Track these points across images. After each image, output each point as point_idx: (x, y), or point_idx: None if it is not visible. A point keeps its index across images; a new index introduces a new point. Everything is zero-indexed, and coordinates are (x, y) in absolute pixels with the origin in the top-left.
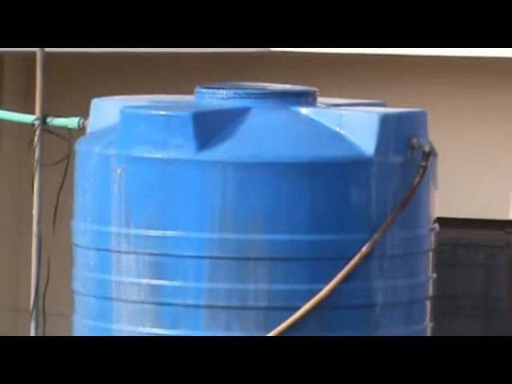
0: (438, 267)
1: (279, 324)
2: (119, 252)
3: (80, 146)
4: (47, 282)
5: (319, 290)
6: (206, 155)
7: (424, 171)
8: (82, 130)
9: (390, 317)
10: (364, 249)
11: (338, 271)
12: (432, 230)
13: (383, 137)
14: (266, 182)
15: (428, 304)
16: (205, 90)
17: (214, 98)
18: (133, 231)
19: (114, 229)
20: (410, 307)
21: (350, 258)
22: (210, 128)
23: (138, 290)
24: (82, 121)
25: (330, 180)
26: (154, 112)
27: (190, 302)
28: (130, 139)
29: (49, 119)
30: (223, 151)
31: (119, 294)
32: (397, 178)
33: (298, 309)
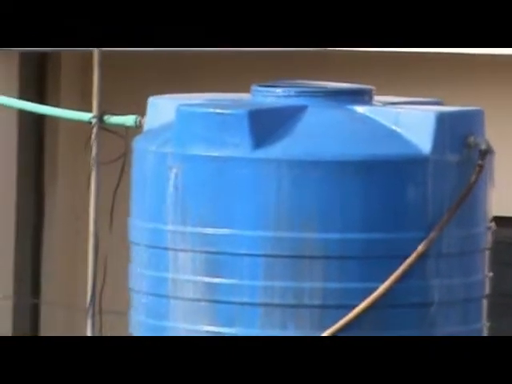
0: (494, 266)
1: (334, 322)
2: (175, 250)
3: (137, 144)
4: (104, 280)
5: (373, 289)
6: (262, 153)
7: (481, 169)
8: (138, 127)
9: (446, 315)
10: (420, 247)
11: (393, 270)
12: (488, 228)
13: (440, 135)
14: (321, 180)
15: (484, 303)
16: (261, 88)
17: (270, 96)
18: (189, 229)
19: (170, 227)
20: (466, 306)
21: (405, 257)
22: (266, 126)
23: (193, 287)
24: (138, 119)
25: (386, 178)
26: (209, 110)
27: (245, 299)
28: (185, 137)
29: (106, 117)
30: (278, 149)
31: (175, 291)
32: (453, 177)
33: (352, 307)
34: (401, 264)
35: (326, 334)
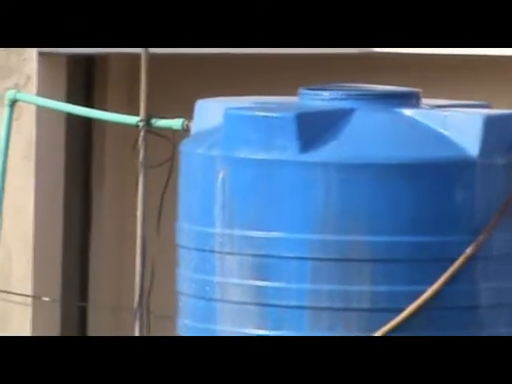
0: None
1: (382, 325)
2: (222, 253)
3: (184, 147)
4: (151, 283)
5: (421, 292)
6: (309, 156)
7: None
8: (186, 131)
9: (494, 318)
10: (468, 250)
11: (441, 273)
12: None
13: (487, 138)
14: (369, 183)
15: None
16: (308, 92)
17: (318, 100)
18: (236, 232)
19: (217, 230)
20: None
21: (453, 260)
22: (313, 129)
23: (241, 291)
24: (186, 122)
25: (433, 181)
26: (257, 113)
27: (293, 303)
28: (233, 140)
29: (153, 120)
30: (326, 152)
31: (223, 295)
32: (501, 180)
33: (400, 310)
34: (449, 267)
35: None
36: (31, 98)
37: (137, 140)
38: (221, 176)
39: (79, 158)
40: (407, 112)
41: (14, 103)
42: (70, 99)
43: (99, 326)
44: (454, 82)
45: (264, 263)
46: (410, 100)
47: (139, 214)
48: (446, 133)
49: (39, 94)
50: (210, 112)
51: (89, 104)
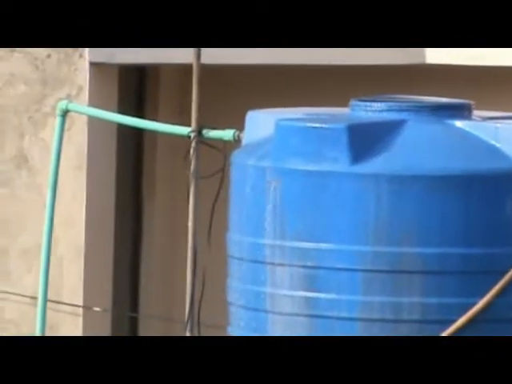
0: None
1: None
2: (273, 264)
3: (235, 158)
4: (202, 293)
5: (472, 304)
6: (360, 168)
7: None
8: (237, 142)
9: None
10: None
11: (492, 285)
12: None
13: None
14: (420, 194)
15: None
16: (360, 103)
17: (369, 111)
18: (287, 243)
19: (268, 241)
20: None
21: (504, 272)
22: (365, 140)
23: (291, 302)
24: (237, 133)
25: (485, 193)
26: (308, 124)
27: (343, 314)
28: (284, 151)
29: (204, 131)
30: (377, 164)
31: (273, 306)
32: None
33: (451, 322)
34: (500, 279)
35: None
36: (83, 108)
37: (188, 151)
38: (272, 187)
39: (130, 168)
40: (458, 124)
41: (65, 113)
42: (122, 110)
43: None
44: (507, 93)
45: (314, 274)
46: (462, 112)
47: (190, 224)
48: (497, 145)
49: (91, 104)
50: (261, 123)
51: (140, 114)
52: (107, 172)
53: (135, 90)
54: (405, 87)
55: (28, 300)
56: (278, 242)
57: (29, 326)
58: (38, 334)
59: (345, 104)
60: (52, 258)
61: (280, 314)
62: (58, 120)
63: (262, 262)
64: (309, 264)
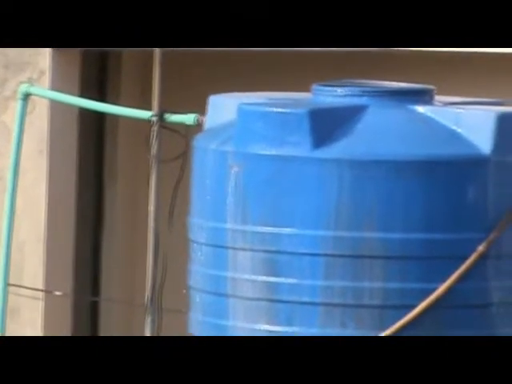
0: None
1: (394, 322)
2: (235, 249)
3: (197, 142)
4: (163, 278)
5: (433, 289)
6: (322, 153)
7: None
8: (199, 126)
9: (506, 316)
10: (480, 248)
11: (453, 270)
12: None
13: (501, 135)
14: (382, 180)
15: None
16: (322, 88)
17: (331, 96)
18: (248, 228)
19: (229, 225)
20: None
21: (465, 258)
22: (326, 126)
23: (253, 286)
24: (199, 117)
25: (447, 179)
26: (270, 109)
27: (305, 299)
28: (246, 136)
29: (166, 115)
30: (339, 149)
31: (235, 290)
32: None
33: (412, 307)
34: (461, 264)
35: (385, 334)
36: (44, 91)
37: (150, 135)
38: (233, 172)
39: (92, 152)
40: (420, 109)
41: (27, 97)
42: (84, 94)
43: (111, 320)
44: (467, 79)
45: (276, 259)
46: (423, 97)
47: (151, 208)
48: (459, 130)
49: (52, 88)
50: (223, 107)
51: (102, 99)
52: (69, 156)
53: (97, 74)
54: (366, 73)
55: None
56: (239, 227)
57: None
58: None
59: (307, 89)
60: (13, 241)
61: (241, 298)
62: (19, 104)
63: (224, 247)
64: (270, 248)
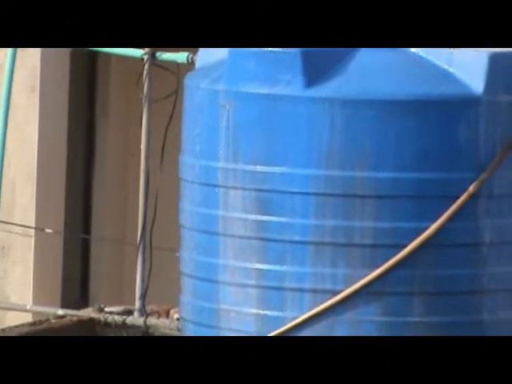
0: None
1: (385, 261)
2: (226, 187)
3: (188, 80)
4: (154, 216)
5: (424, 228)
6: (314, 92)
7: None
8: (191, 64)
9: (497, 256)
10: (471, 188)
11: (444, 210)
12: None
13: (493, 75)
14: (373, 119)
15: None
16: None
17: None
18: (240, 167)
19: (221, 164)
20: None
21: (457, 197)
22: (319, 65)
23: (244, 225)
24: (191, 55)
25: (438, 118)
26: (263, 48)
27: (296, 238)
28: (238, 75)
29: (158, 54)
30: (331, 88)
31: (225, 229)
32: (506, 117)
33: (403, 246)
34: (452, 204)
35: (376, 272)
36: None
37: (141, 73)
38: (225, 110)
39: (84, 90)
40: (413, 49)
41: None
42: None
43: (101, 258)
44: None
45: (267, 198)
46: None
47: (143, 147)
48: (451, 70)
49: None
50: None
51: None
52: (60, 94)
53: None
54: None
55: None
56: (230, 166)
57: None
58: None
59: None
60: (4, 179)
61: (232, 236)
62: None
63: (215, 185)
64: (261, 187)
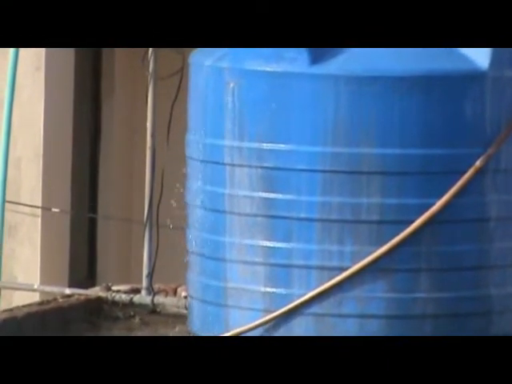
0: None
1: (392, 237)
2: (232, 165)
3: (194, 58)
4: (161, 194)
5: (431, 204)
6: (319, 68)
7: None
8: None
9: (503, 230)
10: (477, 163)
11: (450, 185)
12: None
13: (498, 51)
14: (379, 95)
15: None
16: None
17: None
18: (246, 144)
19: (227, 142)
20: None
21: (463, 173)
22: None
23: (250, 203)
24: None
25: (444, 94)
26: None
27: (302, 215)
28: (242, 52)
29: None
30: (336, 65)
31: (232, 207)
32: (511, 92)
33: (410, 222)
34: (458, 179)
35: (383, 248)
36: None
37: (146, 51)
38: (230, 88)
39: (89, 69)
40: None
41: None
42: None
43: (108, 237)
44: None
45: (274, 176)
46: None
47: (149, 125)
48: None
49: None
50: None
51: None
52: (66, 73)
53: None
54: None
55: None
56: (236, 144)
57: None
58: None
59: None
60: (10, 158)
61: (239, 214)
62: None
63: (221, 163)
64: (268, 165)
